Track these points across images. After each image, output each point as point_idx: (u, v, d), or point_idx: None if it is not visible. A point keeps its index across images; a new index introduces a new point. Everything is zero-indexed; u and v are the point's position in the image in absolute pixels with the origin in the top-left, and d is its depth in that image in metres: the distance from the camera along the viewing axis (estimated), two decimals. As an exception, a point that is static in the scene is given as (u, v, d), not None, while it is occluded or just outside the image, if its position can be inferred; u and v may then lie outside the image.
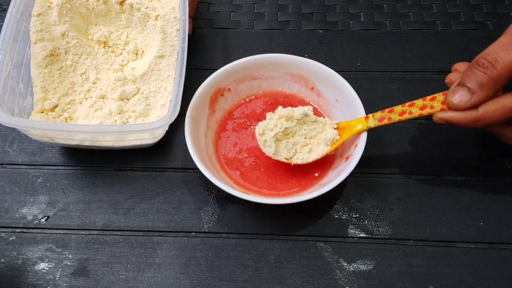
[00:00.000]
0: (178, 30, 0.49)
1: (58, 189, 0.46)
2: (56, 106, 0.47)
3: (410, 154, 0.47)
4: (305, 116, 0.43)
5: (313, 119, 0.44)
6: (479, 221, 0.43)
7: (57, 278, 0.41)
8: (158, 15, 0.50)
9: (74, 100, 0.48)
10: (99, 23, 0.52)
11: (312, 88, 0.49)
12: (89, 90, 0.49)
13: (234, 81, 0.48)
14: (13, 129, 0.50)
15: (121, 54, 0.51)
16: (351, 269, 0.41)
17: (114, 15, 0.52)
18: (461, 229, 0.43)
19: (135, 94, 0.48)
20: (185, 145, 0.42)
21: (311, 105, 0.49)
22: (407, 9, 0.60)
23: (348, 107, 0.45)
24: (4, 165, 0.48)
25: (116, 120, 0.47)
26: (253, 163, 0.46)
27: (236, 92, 0.49)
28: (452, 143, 0.48)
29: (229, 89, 0.48)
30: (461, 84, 0.36)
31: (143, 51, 0.51)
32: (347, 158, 0.43)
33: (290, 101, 0.50)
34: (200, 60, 0.56)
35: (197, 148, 0.42)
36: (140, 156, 0.48)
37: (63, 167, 0.48)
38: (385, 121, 0.41)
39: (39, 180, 0.47)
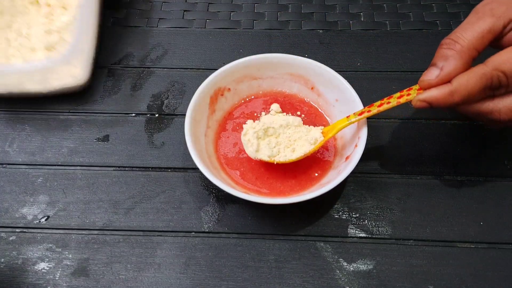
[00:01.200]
0: None
1: (58, 189, 0.46)
2: None
3: (410, 154, 0.47)
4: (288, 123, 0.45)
5: (297, 123, 0.45)
6: (479, 221, 0.43)
7: (57, 278, 0.41)
8: None
9: (10, 55, 0.52)
10: None
11: (312, 88, 0.49)
12: (22, 45, 0.52)
13: (234, 81, 0.48)
14: (13, 129, 0.50)
15: (52, 10, 0.55)
16: (351, 269, 0.41)
17: None
18: (461, 229, 0.43)
19: (60, 43, 0.52)
20: (185, 145, 0.42)
21: (311, 104, 0.49)
22: (407, 9, 0.60)
23: (348, 107, 0.45)
24: (4, 165, 0.48)
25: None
26: (253, 163, 0.46)
27: (236, 92, 0.49)
28: (452, 143, 0.48)
29: (229, 89, 0.48)
30: (430, 65, 0.37)
31: (71, 5, 0.55)
32: (347, 158, 0.43)
33: (290, 101, 0.50)
34: (200, 60, 0.56)
35: (197, 148, 0.42)
36: (140, 156, 0.48)
37: (63, 167, 0.48)
38: (365, 114, 0.42)
39: (39, 180, 0.47)
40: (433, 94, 0.37)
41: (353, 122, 0.42)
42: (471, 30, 0.36)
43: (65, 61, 0.46)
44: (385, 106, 0.41)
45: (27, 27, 0.53)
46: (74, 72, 0.49)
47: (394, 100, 0.41)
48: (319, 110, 0.49)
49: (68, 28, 0.53)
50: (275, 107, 0.49)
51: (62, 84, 0.50)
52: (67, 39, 0.53)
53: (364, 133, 0.42)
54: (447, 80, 0.36)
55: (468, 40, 0.36)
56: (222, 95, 0.48)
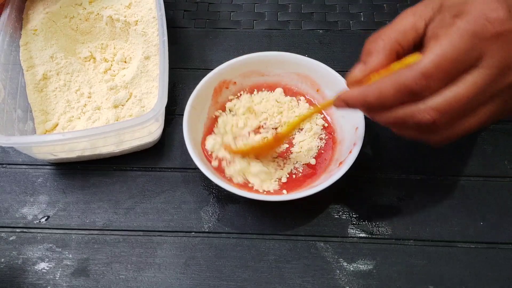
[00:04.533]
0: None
1: (58, 189, 0.46)
2: (56, 125, 0.48)
3: (410, 154, 0.47)
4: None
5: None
6: (479, 221, 0.43)
7: (57, 278, 0.41)
8: (137, 21, 0.52)
9: (73, 117, 0.48)
10: (86, 41, 0.54)
11: (317, 90, 0.49)
12: (85, 105, 0.49)
13: (240, 75, 0.49)
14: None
15: (111, 66, 0.52)
16: (351, 269, 0.41)
17: (98, 30, 0.54)
18: (461, 229, 0.43)
19: (128, 99, 0.49)
20: (185, 145, 0.42)
21: (315, 105, 0.49)
22: (407, 9, 0.60)
23: (349, 112, 0.45)
24: (4, 165, 0.48)
25: None
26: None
27: (242, 86, 0.49)
28: (452, 143, 0.48)
29: (234, 82, 0.49)
30: (358, 62, 0.36)
31: (130, 58, 0.53)
32: (340, 163, 0.43)
33: (296, 97, 0.50)
34: (199, 60, 0.56)
35: (193, 139, 0.43)
36: (140, 156, 0.48)
37: (63, 167, 0.48)
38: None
39: (39, 180, 0.47)
40: (349, 93, 0.35)
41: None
42: (394, 27, 0.35)
43: (154, 118, 0.42)
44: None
45: (88, 86, 0.50)
46: (151, 128, 0.45)
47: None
48: (323, 112, 0.49)
49: (134, 83, 0.49)
50: (279, 90, 0.49)
51: (138, 142, 0.46)
52: (135, 94, 0.49)
53: (360, 140, 0.42)
54: (373, 72, 0.34)
55: (390, 35, 0.34)
56: (227, 87, 0.48)
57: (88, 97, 0.49)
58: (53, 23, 0.51)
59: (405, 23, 0.34)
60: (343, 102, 0.35)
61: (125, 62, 0.53)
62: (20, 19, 0.51)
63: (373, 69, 0.34)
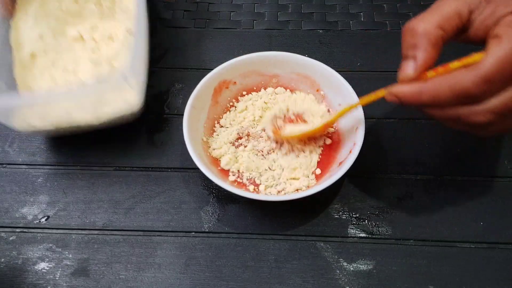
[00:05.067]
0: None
1: (58, 189, 0.46)
2: None
3: (410, 154, 0.47)
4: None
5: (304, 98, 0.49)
6: (479, 221, 0.43)
7: (57, 278, 0.41)
8: None
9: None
10: (76, 23, 0.54)
11: (317, 90, 0.49)
12: (69, 80, 0.50)
13: (240, 75, 0.49)
14: (13, 129, 0.50)
15: (98, 45, 0.53)
16: (351, 269, 0.41)
17: (87, 12, 0.54)
18: (461, 229, 0.43)
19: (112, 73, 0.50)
20: (185, 145, 0.42)
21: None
22: (407, 9, 0.60)
23: (350, 113, 0.45)
24: (4, 165, 0.48)
25: None
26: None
27: (242, 86, 0.49)
28: (452, 143, 0.48)
29: (234, 82, 0.49)
30: (403, 58, 0.35)
31: (117, 34, 0.54)
32: (340, 163, 0.43)
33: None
34: (199, 60, 0.56)
35: (193, 139, 0.43)
36: (140, 156, 0.48)
37: (63, 167, 0.48)
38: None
39: (39, 180, 0.47)
40: (403, 89, 0.33)
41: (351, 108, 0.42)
42: (435, 13, 0.33)
43: (117, 86, 0.41)
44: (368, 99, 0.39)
45: (74, 64, 0.50)
46: (127, 97, 0.44)
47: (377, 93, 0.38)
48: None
49: (117, 57, 0.50)
50: (279, 90, 0.50)
51: (115, 112, 0.45)
52: (118, 67, 0.49)
53: (360, 140, 0.42)
54: (427, 69, 0.33)
55: (432, 22, 0.33)
56: (227, 87, 0.48)
57: (74, 75, 0.50)
58: (43, 4, 0.52)
59: (448, 8, 0.33)
60: (396, 97, 0.34)
61: (112, 40, 0.53)
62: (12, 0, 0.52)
63: (425, 65, 0.33)
